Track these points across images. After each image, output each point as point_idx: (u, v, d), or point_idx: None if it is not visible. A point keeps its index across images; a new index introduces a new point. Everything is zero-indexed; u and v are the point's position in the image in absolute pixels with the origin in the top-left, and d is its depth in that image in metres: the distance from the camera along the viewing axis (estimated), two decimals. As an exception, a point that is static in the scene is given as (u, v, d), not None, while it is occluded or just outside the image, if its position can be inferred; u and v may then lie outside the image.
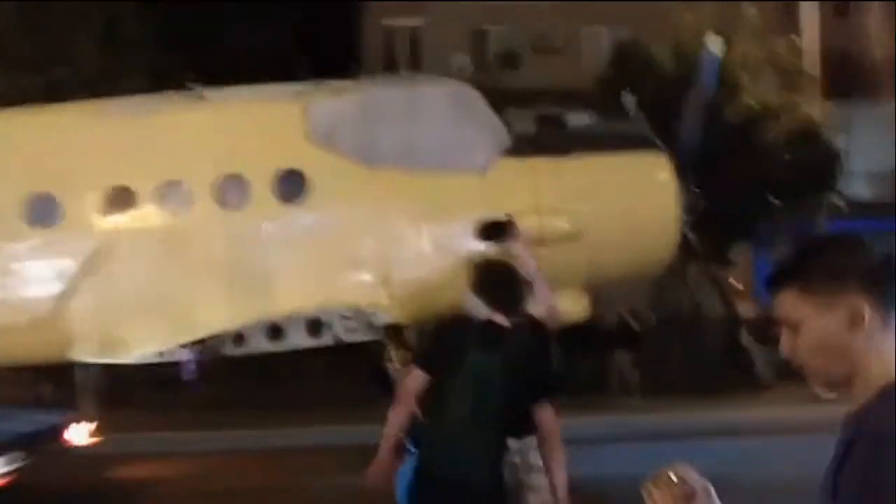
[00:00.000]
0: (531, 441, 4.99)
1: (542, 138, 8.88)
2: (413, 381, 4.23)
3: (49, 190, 8.06)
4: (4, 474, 7.68)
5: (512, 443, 4.72)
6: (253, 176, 8.15)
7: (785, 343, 1.65)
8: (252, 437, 12.49)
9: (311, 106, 8.41)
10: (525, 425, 4.58)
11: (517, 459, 5.10)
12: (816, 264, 1.63)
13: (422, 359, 4.38)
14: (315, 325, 7.94)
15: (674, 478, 1.66)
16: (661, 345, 19.78)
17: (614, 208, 8.36)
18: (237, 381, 16.10)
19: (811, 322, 1.60)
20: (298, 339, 7.92)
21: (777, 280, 1.68)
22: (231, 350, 7.93)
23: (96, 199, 8.10)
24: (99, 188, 8.12)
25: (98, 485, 9.72)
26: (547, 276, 7.65)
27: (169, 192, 8.16)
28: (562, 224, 8.11)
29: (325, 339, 7.95)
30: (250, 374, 15.52)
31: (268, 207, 8.12)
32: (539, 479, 5.02)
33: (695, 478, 1.68)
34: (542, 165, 8.35)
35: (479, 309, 4.27)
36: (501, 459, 4.36)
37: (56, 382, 13.01)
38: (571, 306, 8.56)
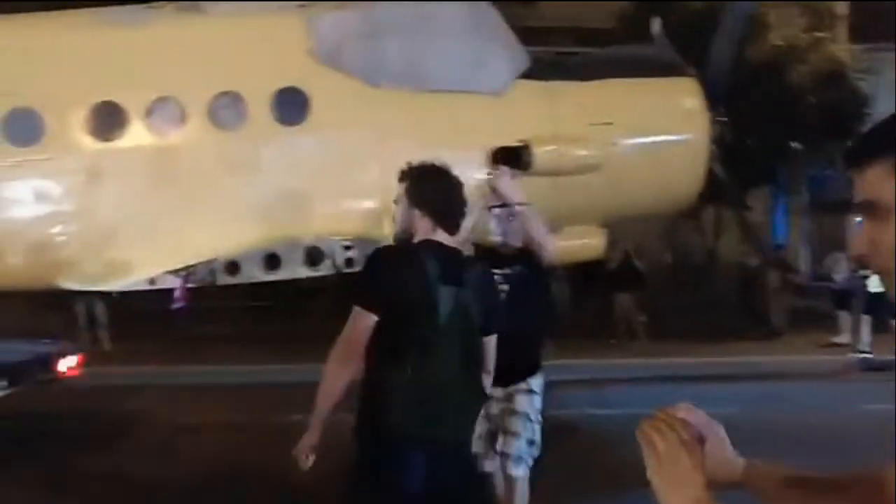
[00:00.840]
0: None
1: (564, 62, 8.29)
2: (358, 325, 3.28)
3: (31, 105, 7.51)
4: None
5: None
6: (250, 94, 7.58)
7: (862, 238, 1.25)
8: (245, 373, 12.22)
9: (314, 20, 7.80)
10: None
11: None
12: None
13: (362, 295, 3.37)
14: (313, 255, 7.44)
15: (677, 419, 1.33)
16: (670, 287, 19.36)
17: (639, 136, 7.82)
18: (233, 313, 15.82)
19: None
20: (295, 270, 7.44)
21: (861, 153, 1.25)
22: (224, 279, 7.46)
23: (82, 115, 7.55)
24: (85, 103, 7.56)
25: (86, 415, 9.46)
26: (563, 208, 7.21)
27: (160, 109, 7.60)
28: (582, 152, 7.58)
29: (324, 270, 7.46)
30: (247, 307, 15.25)
31: (266, 128, 7.57)
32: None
33: (703, 420, 1.38)
34: (562, 89, 7.78)
35: (418, 224, 3.47)
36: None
37: (50, 312, 12.71)
38: (587, 242, 8.09)
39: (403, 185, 3.58)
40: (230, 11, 8.08)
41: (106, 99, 7.57)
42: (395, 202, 3.64)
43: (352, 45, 7.77)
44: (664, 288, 18.55)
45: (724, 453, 1.41)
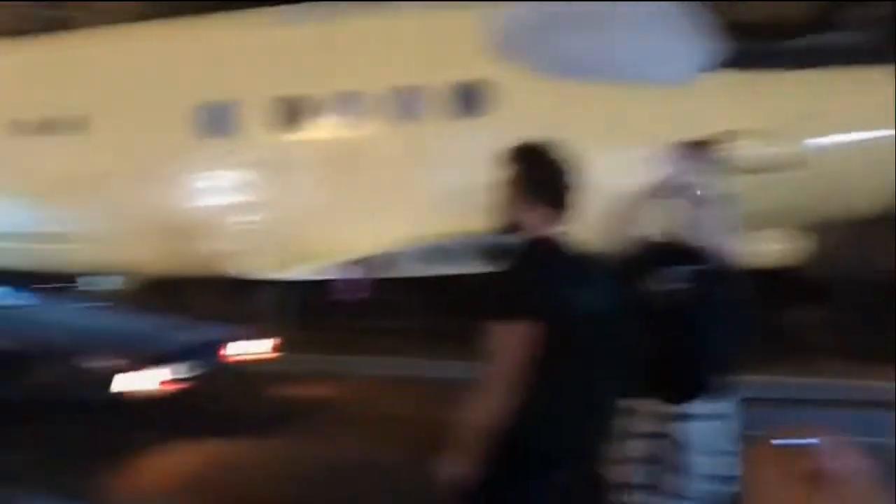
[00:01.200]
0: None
1: (762, 53, 7.75)
2: (518, 340, 2.87)
3: (220, 99, 7.85)
4: (180, 380, 7.87)
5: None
6: (430, 87, 7.58)
7: None
8: (424, 366, 12.28)
9: (494, 12, 7.70)
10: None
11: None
12: None
13: (522, 306, 2.91)
14: (491, 250, 7.32)
15: (797, 447, 1.02)
16: (861, 301, 17.87)
17: (844, 131, 7.20)
18: (410, 306, 16.01)
19: None
20: (471, 264, 7.35)
21: None
22: (402, 271, 7.50)
23: (267, 108, 7.81)
24: (270, 97, 7.83)
25: (266, 401, 9.77)
26: (755, 209, 6.72)
27: (342, 102, 7.74)
28: (779, 148, 7.05)
29: (499, 265, 7.31)
30: (423, 299, 15.38)
31: (445, 121, 7.54)
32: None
33: (842, 450, 1.06)
34: (760, 81, 7.29)
35: (529, 217, 3.07)
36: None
37: (235, 299, 13.29)
38: (778, 247, 7.54)
39: (511, 171, 3.15)
40: (409, 6, 8.13)
41: (289, 93, 7.79)
42: (498, 189, 3.19)
43: (532, 37, 7.61)
44: (855, 301, 17.19)
45: (866, 491, 1.09)
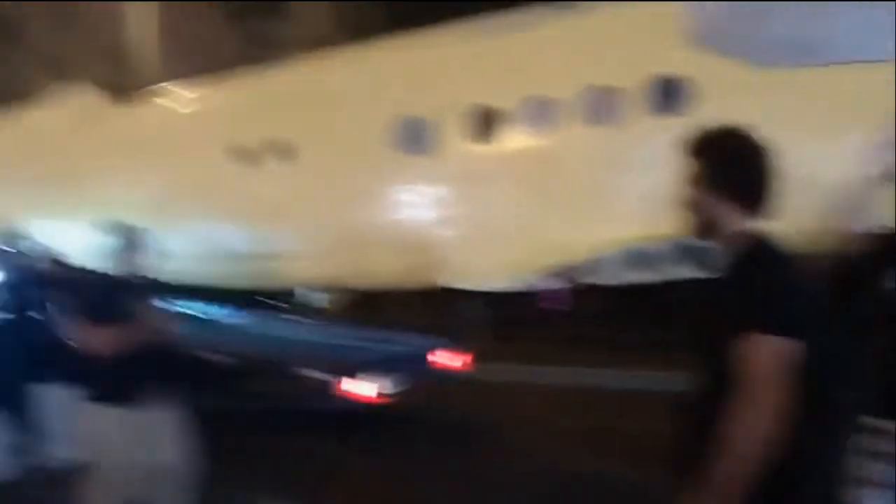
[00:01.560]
0: None
1: None
2: (781, 358, 2.49)
3: (419, 114, 7.97)
4: (386, 392, 8.02)
5: None
6: (625, 86, 7.29)
7: None
8: (620, 378, 11.93)
9: (690, 4, 7.29)
10: None
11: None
12: None
13: (774, 317, 2.54)
14: (696, 255, 6.92)
15: None
16: None
17: None
18: (613, 315, 15.65)
19: None
20: (674, 269, 6.98)
21: None
22: (600, 279, 7.25)
23: (462, 120, 7.84)
24: (464, 109, 7.85)
25: (468, 411, 9.81)
26: None
27: (538, 108, 7.62)
28: None
29: (706, 272, 6.90)
30: (625, 309, 14.96)
31: (642, 120, 7.22)
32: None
33: None
34: None
35: (720, 214, 2.80)
36: None
37: (438, 309, 13.51)
38: None
39: (697, 162, 2.94)
40: (600, 4, 7.89)
41: (486, 104, 7.77)
42: (685, 184, 2.97)
43: (732, 25, 7.14)
44: None
45: None
